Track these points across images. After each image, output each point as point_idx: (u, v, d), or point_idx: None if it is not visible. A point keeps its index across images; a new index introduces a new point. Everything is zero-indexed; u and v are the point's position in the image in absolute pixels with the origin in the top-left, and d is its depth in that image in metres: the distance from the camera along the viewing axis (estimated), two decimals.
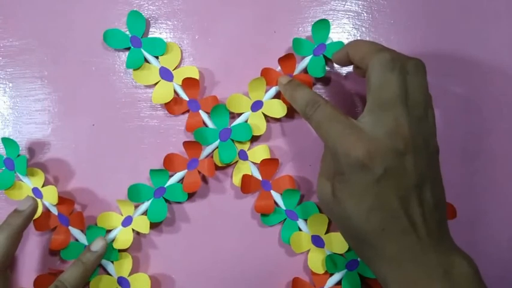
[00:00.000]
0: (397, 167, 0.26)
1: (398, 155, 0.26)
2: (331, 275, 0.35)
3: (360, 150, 0.26)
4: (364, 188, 0.27)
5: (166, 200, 0.36)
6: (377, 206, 0.26)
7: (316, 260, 0.35)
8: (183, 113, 0.36)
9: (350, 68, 0.36)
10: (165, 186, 0.35)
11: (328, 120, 0.28)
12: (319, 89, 0.37)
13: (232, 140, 0.36)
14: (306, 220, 0.36)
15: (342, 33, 0.37)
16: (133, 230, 0.36)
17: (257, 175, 0.36)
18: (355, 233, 0.28)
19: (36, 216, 0.35)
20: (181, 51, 0.36)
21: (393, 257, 0.27)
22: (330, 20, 0.35)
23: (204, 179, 0.37)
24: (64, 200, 0.35)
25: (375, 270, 0.28)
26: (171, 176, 0.36)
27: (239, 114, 0.36)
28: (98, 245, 0.34)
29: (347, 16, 0.37)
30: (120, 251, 0.36)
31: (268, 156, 0.36)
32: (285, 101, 0.35)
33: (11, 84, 0.37)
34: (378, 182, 0.26)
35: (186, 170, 0.36)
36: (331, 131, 0.28)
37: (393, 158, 0.26)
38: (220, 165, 0.36)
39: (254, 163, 0.36)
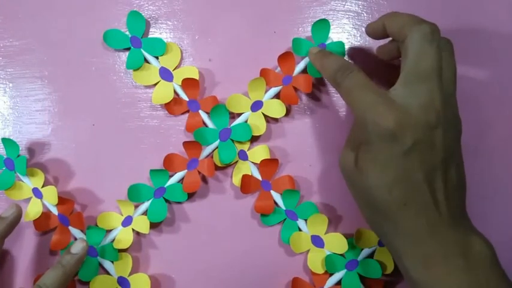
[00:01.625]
0: (426, 140, 0.26)
1: (429, 128, 0.26)
2: (331, 275, 0.36)
3: (391, 120, 0.26)
4: (390, 159, 0.26)
5: (166, 200, 0.36)
6: (401, 179, 0.26)
7: (316, 260, 0.35)
8: (183, 113, 0.36)
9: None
10: (165, 186, 0.35)
11: (360, 88, 0.28)
12: (319, 88, 0.37)
13: (232, 140, 0.36)
14: (305, 220, 0.36)
15: (342, 33, 0.37)
16: (133, 230, 0.36)
17: (257, 175, 0.36)
18: (375, 205, 0.27)
19: (36, 217, 0.35)
20: (181, 51, 0.36)
21: (412, 232, 0.26)
22: (330, 20, 0.35)
23: (204, 179, 0.37)
24: (64, 200, 0.35)
25: (390, 243, 0.28)
26: (171, 176, 0.36)
27: (239, 114, 0.36)
28: (78, 247, 0.33)
29: (347, 16, 0.37)
30: (120, 251, 0.36)
31: (268, 157, 0.36)
32: (284, 101, 0.35)
33: (11, 84, 0.37)
34: (405, 154, 0.26)
35: (186, 170, 0.36)
36: (362, 99, 0.27)
37: (424, 131, 0.26)
38: (220, 165, 0.36)
39: (254, 163, 0.36)
